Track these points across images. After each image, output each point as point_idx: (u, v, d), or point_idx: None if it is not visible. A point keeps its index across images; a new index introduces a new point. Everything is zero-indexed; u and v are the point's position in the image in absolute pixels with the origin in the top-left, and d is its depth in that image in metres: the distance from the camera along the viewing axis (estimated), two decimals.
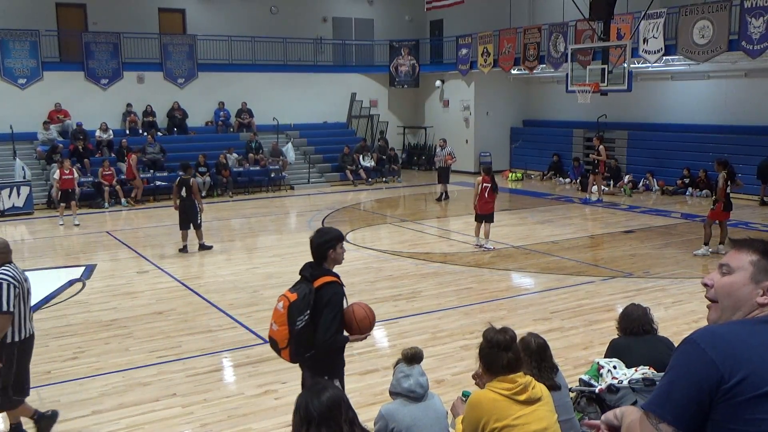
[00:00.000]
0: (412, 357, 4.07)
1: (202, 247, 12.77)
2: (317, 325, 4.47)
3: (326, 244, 4.61)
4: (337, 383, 4.61)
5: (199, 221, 12.70)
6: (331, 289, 4.53)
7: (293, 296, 4.47)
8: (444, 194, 18.93)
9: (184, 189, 12.57)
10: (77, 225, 15.50)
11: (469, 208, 18.47)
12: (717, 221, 11.98)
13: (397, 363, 4.14)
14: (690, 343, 1.83)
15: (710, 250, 11.70)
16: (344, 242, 4.80)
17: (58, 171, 15.93)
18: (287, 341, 4.47)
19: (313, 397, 3.00)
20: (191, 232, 12.79)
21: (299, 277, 4.63)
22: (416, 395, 3.96)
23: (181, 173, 13.28)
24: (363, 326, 4.65)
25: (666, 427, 1.78)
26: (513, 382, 3.39)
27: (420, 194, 21.18)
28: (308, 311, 4.46)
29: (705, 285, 2.05)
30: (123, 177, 19.05)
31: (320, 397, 2.99)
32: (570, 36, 19.49)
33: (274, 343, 4.58)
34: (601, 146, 18.81)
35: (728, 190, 11.80)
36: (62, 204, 15.78)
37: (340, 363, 4.80)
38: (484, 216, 12.60)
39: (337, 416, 2.97)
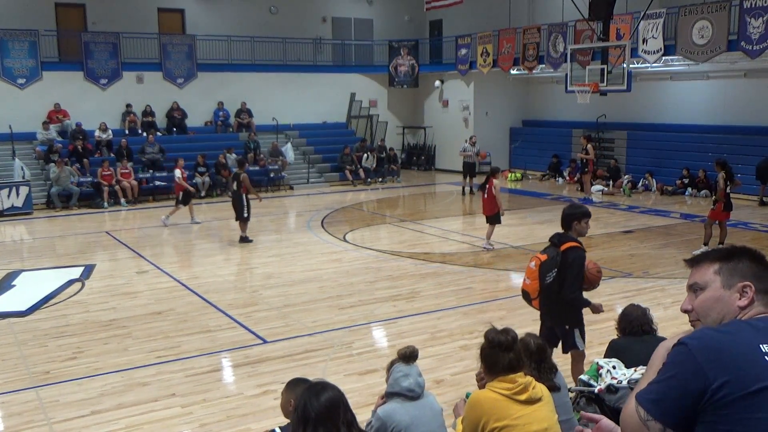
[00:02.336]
0: (410, 355, 4.07)
1: (243, 240, 13.22)
2: (562, 282, 5.40)
3: (572, 216, 5.56)
4: (577, 333, 5.66)
5: (245, 215, 13.19)
6: (574, 253, 5.43)
7: (543, 257, 5.51)
8: (471, 188, 19.75)
9: (235, 183, 13.25)
10: (199, 223, 15.52)
11: (466, 209, 18.52)
12: (717, 221, 11.99)
13: (392, 364, 4.13)
14: (681, 345, 1.88)
15: (710, 250, 11.71)
16: (590, 219, 5.67)
17: (179, 170, 15.63)
18: (537, 293, 5.56)
19: (311, 397, 2.99)
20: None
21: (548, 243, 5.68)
22: (415, 394, 3.96)
23: (235, 168, 13.99)
24: (593, 278, 5.63)
25: (654, 424, 1.84)
26: (513, 382, 3.39)
27: (420, 194, 21.19)
28: (555, 269, 5.43)
29: (686, 311, 2.09)
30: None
31: (319, 398, 2.98)
32: (569, 36, 19.48)
33: (526, 295, 5.71)
34: (589, 145, 18.98)
35: (728, 190, 11.82)
36: (190, 204, 15.57)
37: (581, 317, 5.70)
38: (486, 217, 12.65)
39: (335, 417, 2.96)
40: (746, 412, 1.76)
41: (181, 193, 15.42)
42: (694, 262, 2.12)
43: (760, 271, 2.00)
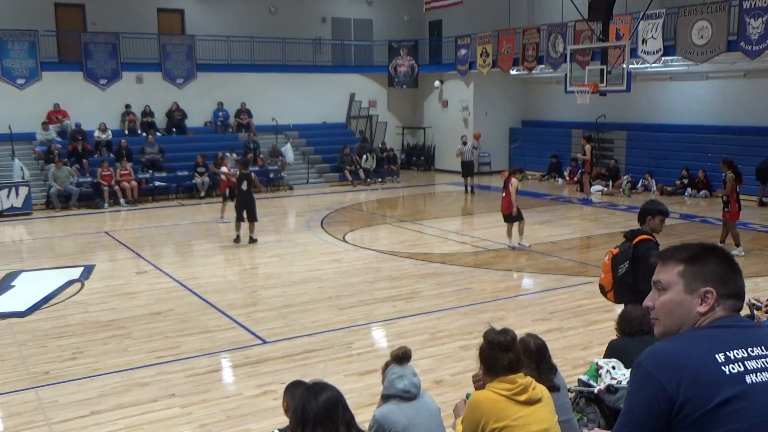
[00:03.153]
0: (402, 356, 4.06)
1: (252, 240, 13.27)
2: (636, 275, 5.54)
3: (647, 211, 5.77)
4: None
5: (255, 215, 13.29)
6: (645, 245, 5.59)
7: (616, 251, 5.77)
8: (470, 188, 20.35)
9: (245, 183, 13.17)
10: (227, 222, 15.49)
11: (466, 209, 18.54)
12: (723, 221, 12.10)
13: (387, 365, 4.14)
14: (638, 368, 1.87)
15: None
16: (665, 219, 5.83)
17: (224, 167, 15.69)
18: (611, 286, 5.77)
19: (310, 397, 2.99)
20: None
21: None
22: (410, 395, 3.96)
23: (239, 168, 13.93)
24: None
25: None
26: (513, 382, 3.39)
27: (420, 195, 21.19)
28: (627, 262, 5.62)
29: (647, 308, 2.06)
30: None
31: (318, 398, 2.97)
32: (569, 36, 19.49)
33: (602, 288, 5.94)
34: (587, 146, 19.12)
35: (738, 189, 11.99)
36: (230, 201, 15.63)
37: None
38: (503, 216, 12.58)
39: (333, 417, 2.95)
40: (710, 428, 1.75)
41: (227, 189, 15.58)
42: (661, 258, 2.07)
43: (725, 275, 1.97)
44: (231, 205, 15.35)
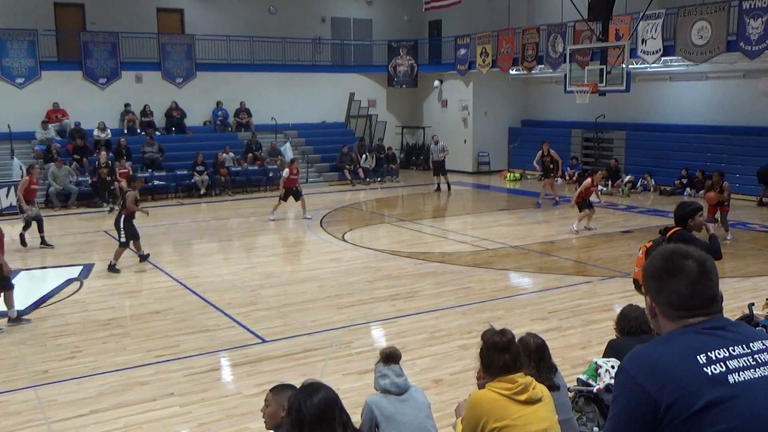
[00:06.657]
0: (387, 356, 4.21)
1: (110, 268, 11.11)
2: None
3: (686, 215, 5.90)
4: None
5: (122, 239, 11.17)
6: (676, 234, 5.76)
7: (649, 244, 6.00)
8: (440, 185, 20.61)
9: (122, 201, 11.53)
10: (309, 218, 15.71)
11: (466, 209, 18.54)
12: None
13: (378, 361, 4.27)
14: (622, 373, 1.89)
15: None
16: (701, 210, 6.01)
17: (287, 170, 15.91)
18: None
19: (306, 398, 2.92)
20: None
21: None
22: (393, 393, 4.13)
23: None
24: None
25: None
26: (513, 382, 3.39)
27: (419, 194, 21.18)
28: None
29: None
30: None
31: (313, 399, 2.91)
32: (568, 36, 19.50)
33: (636, 283, 6.15)
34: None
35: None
36: (283, 201, 15.82)
37: None
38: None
39: (330, 419, 2.90)
40: (697, 430, 1.77)
41: (283, 190, 15.74)
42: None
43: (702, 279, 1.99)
44: (283, 205, 15.83)
